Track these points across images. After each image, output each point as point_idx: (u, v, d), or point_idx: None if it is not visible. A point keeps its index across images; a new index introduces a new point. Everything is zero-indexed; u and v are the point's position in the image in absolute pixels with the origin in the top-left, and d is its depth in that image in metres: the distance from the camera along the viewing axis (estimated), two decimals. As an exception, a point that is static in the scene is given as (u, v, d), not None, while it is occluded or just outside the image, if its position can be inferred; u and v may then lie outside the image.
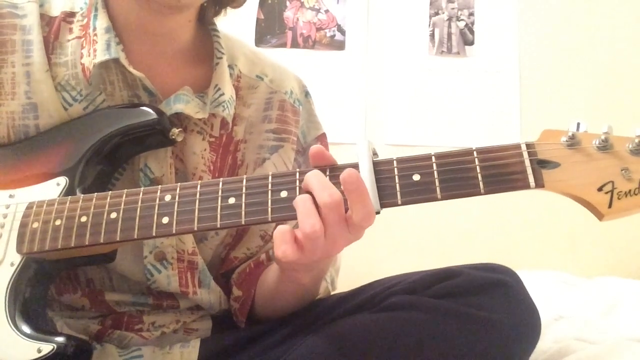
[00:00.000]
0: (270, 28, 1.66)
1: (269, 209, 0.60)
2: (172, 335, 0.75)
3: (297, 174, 0.61)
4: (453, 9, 1.68)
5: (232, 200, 0.61)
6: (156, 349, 0.73)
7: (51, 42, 0.73)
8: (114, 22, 0.73)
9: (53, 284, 0.72)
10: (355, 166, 0.59)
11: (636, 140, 0.56)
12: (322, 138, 0.86)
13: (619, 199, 0.55)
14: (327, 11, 1.68)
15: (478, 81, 1.65)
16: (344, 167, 0.60)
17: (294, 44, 1.65)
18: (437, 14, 1.68)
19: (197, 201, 0.62)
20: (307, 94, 0.87)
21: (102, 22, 0.72)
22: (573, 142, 0.57)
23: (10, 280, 0.64)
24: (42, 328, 0.63)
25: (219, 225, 0.61)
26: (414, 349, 0.65)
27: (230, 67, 0.79)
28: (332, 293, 0.82)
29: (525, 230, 1.52)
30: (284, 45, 1.65)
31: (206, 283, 0.77)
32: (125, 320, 0.74)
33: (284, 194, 0.61)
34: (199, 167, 0.75)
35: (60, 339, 0.61)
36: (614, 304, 1.10)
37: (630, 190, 0.55)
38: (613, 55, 1.67)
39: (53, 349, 0.60)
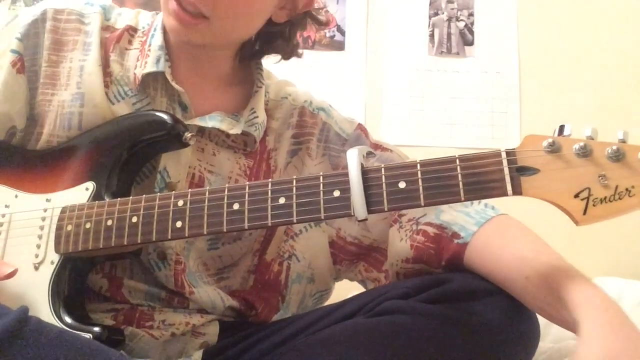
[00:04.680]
0: (270, 29, 1.63)
1: (269, 215, 0.66)
2: (180, 338, 0.80)
3: (294, 181, 0.66)
4: (453, 9, 1.67)
5: (236, 206, 0.67)
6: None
7: (112, 43, 0.84)
8: (167, 43, 0.83)
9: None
10: (345, 174, 0.64)
11: (614, 147, 0.57)
12: (360, 126, 0.94)
13: (594, 205, 0.57)
14: (326, 11, 1.63)
15: (478, 81, 1.64)
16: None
17: (294, 45, 1.64)
18: (436, 14, 1.66)
19: (206, 207, 0.68)
20: (330, 106, 0.95)
21: (157, 40, 0.83)
22: (553, 148, 0.59)
23: (52, 276, 0.73)
24: (80, 319, 0.72)
25: (225, 230, 0.67)
26: (406, 352, 0.66)
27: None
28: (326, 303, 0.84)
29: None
30: (283, 45, 1.63)
31: (197, 284, 0.81)
32: (137, 316, 0.79)
33: (282, 200, 0.66)
34: (234, 171, 0.84)
35: (96, 329, 0.70)
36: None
37: (605, 197, 0.57)
38: (613, 55, 1.63)
39: (90, 338, 0.69)
